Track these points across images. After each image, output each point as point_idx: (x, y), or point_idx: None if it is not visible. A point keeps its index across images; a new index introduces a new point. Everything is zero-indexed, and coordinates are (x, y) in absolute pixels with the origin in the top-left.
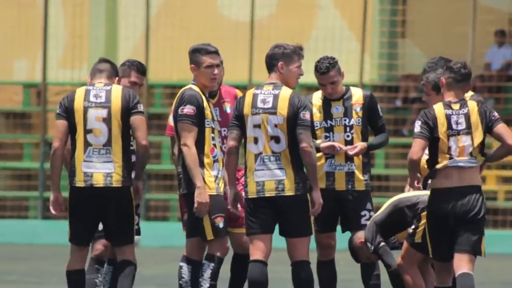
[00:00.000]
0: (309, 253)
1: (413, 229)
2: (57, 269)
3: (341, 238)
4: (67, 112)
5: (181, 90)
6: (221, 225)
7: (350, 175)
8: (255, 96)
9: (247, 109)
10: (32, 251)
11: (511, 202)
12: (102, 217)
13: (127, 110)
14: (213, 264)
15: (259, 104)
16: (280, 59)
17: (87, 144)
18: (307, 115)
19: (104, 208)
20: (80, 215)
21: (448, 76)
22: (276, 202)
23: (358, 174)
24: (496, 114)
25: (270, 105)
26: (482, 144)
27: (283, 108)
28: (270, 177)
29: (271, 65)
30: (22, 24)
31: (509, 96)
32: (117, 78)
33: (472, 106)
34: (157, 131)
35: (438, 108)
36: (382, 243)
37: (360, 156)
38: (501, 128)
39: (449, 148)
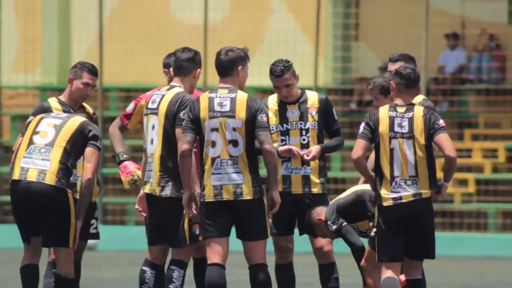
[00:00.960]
0: (266, 256)
1: (374, 232)
2: (14, 274)
3: (299, 241)
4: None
5: (176, 93)
6: (197, 231)
7: (306, 179)
8: (211, 100)
9: (203, 113)
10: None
11: (467, 204)
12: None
13: (82, 136)
14: (183, 271)
15: (216, 108)
16: (239, 63)
17: (31, 142)
18: (264, 117)
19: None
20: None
21: (398, 81)
22: (234, 205)
23: (314, 177)
24: (441, 122)
25: (228, 108)
26: (427, 148)
27: (241, 112)
28: (228, 181)
29: (228, 69)
30: None
31: (462, 99)
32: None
33: (418, 111)
34: None
35: (383, 110)
36: (345, 223)
37: (316, 159)
38: (442, 137)
39: (391, 150)
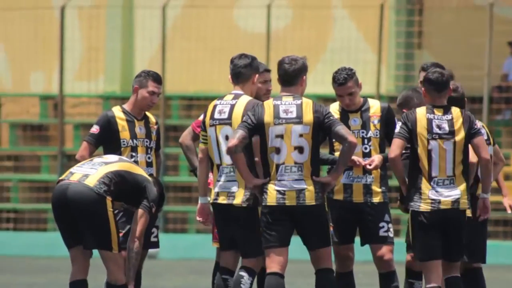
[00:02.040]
0: (332, 263)
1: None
2: (31, 281)
3: (360, 250)
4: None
5: (249, 100)
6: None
7: (367, 187)
8: (276, 107)
9: (268, 118)
10: (51, 263)
11: None
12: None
13: (137, 190)
14: (252, 278)
15: (282, 115)
16: (303, 73)
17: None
18: (334, 116)
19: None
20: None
21: (428, 87)
22: (295, 212)
23: (376, 187)
24: (478, 124)
25: (294, 115)
26: (465, 149)
27: (308, 116)
28: (291, 188)
29: (294, 78)
30: (38, 36)
31: None
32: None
33: (456, 112)
34: (174, 143)
35: (421, 111)
36: None
37: (378, 168)
38: (480, 140)
39: (429, 151)
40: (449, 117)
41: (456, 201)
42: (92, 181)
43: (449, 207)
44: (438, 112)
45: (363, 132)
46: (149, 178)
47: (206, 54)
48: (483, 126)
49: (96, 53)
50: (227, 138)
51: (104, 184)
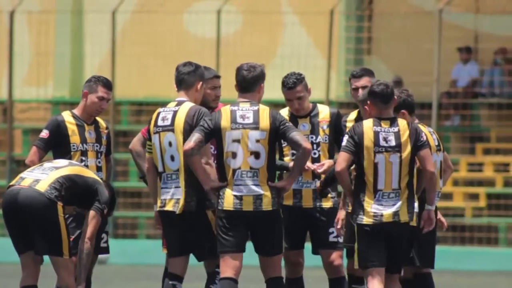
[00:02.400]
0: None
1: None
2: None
3: (309, 256)
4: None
5: (191, 107)
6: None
7: (317, 193)
8: (233, 112)
9: (225, 123)
10: (1, 269)
11: (478, 218)
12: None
13: (90, 191)
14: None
15: (239, 120)
16: (261, 80)
17: (40, 165)
18: (290, 123)
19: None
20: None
21: (374, 100)
22: (251, 218)
23: None
24: (424, 137)
25: (251, 120)
26: (411, 161)
27: (265, 123)
28: (248, 192)
29: (252, 85)
30: None
31: (475, 113)
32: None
33: (403, 125)
34: (124, 148)
35: (367, 124)
36: None
37: (328, 173)
38: (426, 152)
39: (375, 164)
40: (396, 129)
41: (396, 214)
42: (43, 186)
43: (391, 220)
44: (384, 125)
45: (312, 137)
46: (100, 180)
47: (156, 60)
48: (433, 132)
49: (46, 58)
50: (170, 144)
51: (55, 189)
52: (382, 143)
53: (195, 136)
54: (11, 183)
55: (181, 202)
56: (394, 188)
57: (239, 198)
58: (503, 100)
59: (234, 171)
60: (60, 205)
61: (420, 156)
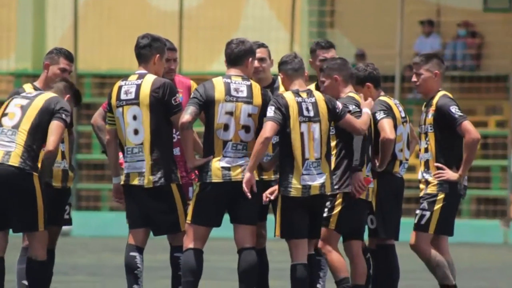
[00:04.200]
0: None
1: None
2: None
3: (273, 227)
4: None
5: (154, 79)
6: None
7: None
8: (227, 84)
9: (219, 95)
10: None
11: None
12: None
13: (48, 112)
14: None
15: (233, 93)
16: (249, 55)
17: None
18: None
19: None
20: None
21: (285, 69)
22: (238, 188)
23: None
24: (339, 105)
25: (245, 94)
26: (329, 131)
27: (258, 99)
28: (237, 164)
29: (240, 58)
30: None
31: None
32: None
33: (318, 95)
34: (87, 120)
35: (289, 96)
36: None
37: None
38: (348, 117)
39: (301, 134)
40: (313, 99)
41: (323, 186)
42: (15, 160)
43: (317, 192)
44: (303, 95)
45: None
46: (51, 95)
47: (119, 32)
48: (399, 104)
49: (8, 31)
50: (134, 118)
51: (28, 157)
52: (305, 112)
53: (190, 109)
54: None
55: (147, 175)
56: (316, 158)
57: (228, 169)
58: (465, 73)
59: (224, 143)
60: (36, 175)
61: (346, 121)
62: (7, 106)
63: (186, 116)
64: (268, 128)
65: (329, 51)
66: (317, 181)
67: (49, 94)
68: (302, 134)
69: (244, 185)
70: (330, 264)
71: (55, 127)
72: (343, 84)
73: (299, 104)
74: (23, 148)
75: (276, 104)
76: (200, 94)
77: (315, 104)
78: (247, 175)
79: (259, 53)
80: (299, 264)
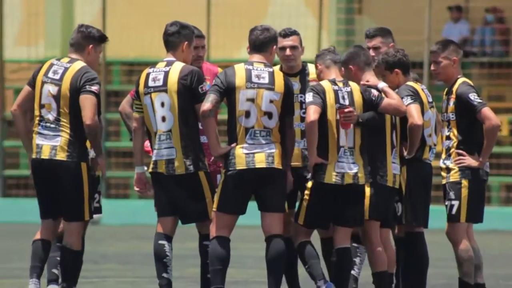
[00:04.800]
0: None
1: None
2: (18, 246)
3: None
4: (33, 82)
5: (182, 66)
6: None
7: (306, 151)
8: (248, 71)
9: (239, 81)
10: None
11: None
12: (52, 191)
13: (76, 89)
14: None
15: (254, 79)
16: (273, 42)
17: (41, 118)
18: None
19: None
20: (37, 188)
21: (326, 59)
22: (263, 174)
23: None
24: (375, 92)
25: (266, 80)
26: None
27: (280, 85)
28: (261, 150)
29: (264, 45)
30: None
31: (466, 72)
32: (90, 46)
33: (354, 85)
34: (115, 108)
35: (326, 84)
36: None
37: None
38: (386, 101)
39: (337, 121)
40: (349, 89)
41: (356, 176)
42: (62, 154)
43: (351, 182)
44: (340, 84)
45: (301, 97)
46: (74, 71)
47: (147, 20)
48: (426, 88)
49: (36, 18)
50: (162, 105)
51: (74, 149)
52: (341, 101)
53: (211, 97)
54: (32, 156)
55: (177, 163)
56: (350, 147)
57: (252, 155)
58: (494, 59)
59: (247, 129)
60: (84, 165)
61: (385, 107)
62: (40, 94)
63: (206, 104)
64: (311, 112)
65: (373, 40)
66: (351, 170)
67: (73, 70)
68: (337, 121)
69: (309, 170)
70: (369, 255)
71: (83, 101)
72: (359, 73)
73: (336, 92)
74: (67, 140)
75: (314, 89)
76: (220, 81)
77: (350, 93)
78: (311, 160)
79: (291, 41)
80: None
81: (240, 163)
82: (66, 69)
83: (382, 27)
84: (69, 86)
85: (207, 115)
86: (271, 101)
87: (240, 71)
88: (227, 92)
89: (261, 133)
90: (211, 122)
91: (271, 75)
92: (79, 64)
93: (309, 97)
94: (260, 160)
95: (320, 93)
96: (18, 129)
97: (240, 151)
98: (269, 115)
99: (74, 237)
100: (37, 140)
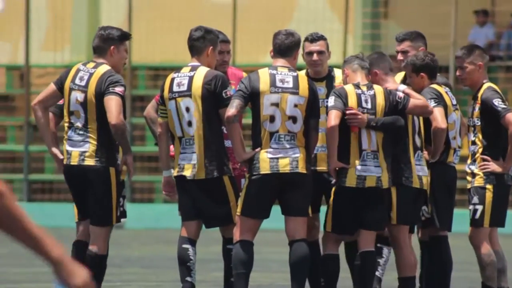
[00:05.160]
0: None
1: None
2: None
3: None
4: (61, 84)
5: (207, 71)
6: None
7: None
8: (272, 75)
9: (264, 86)
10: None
11: None
12: (82, 195)
13: (100, 94)
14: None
15: (278, 84)
16: (297, 47)
17: (70, 125)
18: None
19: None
20: (71, 191)
21: (354, 63)
22: (287, 180)
23: None
24: (401, 95)
25: (290, 85)
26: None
27: (304, 89)
28: (285, 154)
29: (289, 49)
30: (4, 7)
31: (492, 76)
32: (112, 48)
33: (378, 88)
34: (141, 113)
35: (350, 88)
36: None
37: None
38: (413, 103)
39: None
40: (372, 92)
41: (379, 179)
42: (91, 161)
43: (374, 185)
44: (363, 88)
45: (327, 101)
46: (98, 76)
47: (172, 25)
48: (449, 91)
49: (62, 23)
50: (187, 110)
51: (102, 154)
52: (364, 104)
53: (236, 102)
54: (64, 162)
55: (200, 167)
56: (373, 150)
57: (276, 160)
58: None
59: (271, 134)
60: (112, 169)
61: (411, 109)
62: (69, 101)
63: (231, 109)
64: (332, 117)
65: (401, 43)
66: (374, 173)
67: (97, 75)
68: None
69: (331, 174)
70: (397, 260)
71: (107, 103)
72: (384, 77)
73: (358, 96)
74: (95, 146)
75: (337, 93)
76: (245, 86)
77: (373, 97)
78: (332, 165)
79: (318, 46)
80: (331, 254)
81: (264, 168)
82: (91, 74)
83: (412, 31)
84: (94, 92)
85: (232, 120)
86: (295, 105)
87: (264, 75)
88: (252, 97)
89: (285, 137)
90: (235, 127)
91: (295, 79)
92: (104, 68)
93: (331, 101)
94: (284, 165)
95: (342, 97)
96: (37, 122)
97: (264, 156)
98: (294, 119)
99: (101, 241)
100: (67, 146)
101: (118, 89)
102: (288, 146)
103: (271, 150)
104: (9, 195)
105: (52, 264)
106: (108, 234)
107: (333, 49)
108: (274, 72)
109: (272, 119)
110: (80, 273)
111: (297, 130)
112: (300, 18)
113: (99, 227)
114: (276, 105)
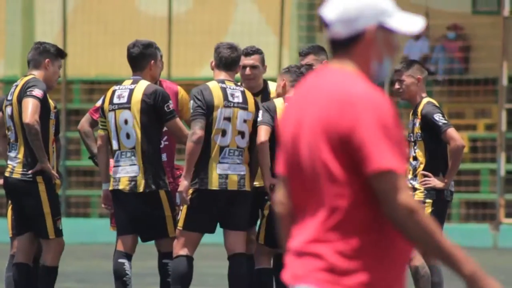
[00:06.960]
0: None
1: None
2: None
3: None
4: None
5: (147, 85)
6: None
7: None
8: (223, 89)
9: (217, 100)
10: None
11: None
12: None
13: (20, 103)
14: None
15: (230, 98)
16: (240, 61)
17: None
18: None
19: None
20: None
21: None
22: (232, 196)
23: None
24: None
25: (240, 100)
26: None
27: (252, 105)
28: (233, 171)
29: (235, 64)
30: None
31: (426, 89)
32: (47, 61)
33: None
34: (76, 127)
35: (279, 102)
36: None
37: None
38: None
39: None
40: None
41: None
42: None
43: None
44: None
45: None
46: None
47: (108, 38)
48: None
49: None
50: (126, 122)
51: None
52: None
53: (200, 123)
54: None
55: (140, 180)
56: None
57: (225, 177)
58: (453, 76)
59: (221, 148)
60: (40, 182)
61: None
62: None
63: (198, 131)
64: (262, 133)
65: (305, 57)
66: None
67: (19, 87)
68: None
69: (267, 190)
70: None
71: (23, 104)
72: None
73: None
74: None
75: (265, 107)
76: (201, 102)
77: None
78: (266, 182)
79: (252, 60)
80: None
81: (213, 184)
82: (16, 86)
83: (315, 44)
84: (16, 102)
85: (199, 141)
86: (244, 121)
87: (216, 90)
88: (208, 112)
89: (235, 152)
90: (199, 149)
91: (244, 94)
92: (27, 77)
93: (259, 115)
94: (233, 183)
95: (271, 111)
96: None
97: (214, 172)
98: (242, 134)
99: (49, 253)
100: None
101: (36, 92)
102: (237, 161)
103: (219, 165)
104: (422, 210)
105: (464, 279)
106: (56, 247)
107: (268, 62)
108: (224, 86)
109: (223, 133)
110: (494, 286)
111: (244, 145)
112: (236, 31)
113: (45, 240)
114: (229, 119)
